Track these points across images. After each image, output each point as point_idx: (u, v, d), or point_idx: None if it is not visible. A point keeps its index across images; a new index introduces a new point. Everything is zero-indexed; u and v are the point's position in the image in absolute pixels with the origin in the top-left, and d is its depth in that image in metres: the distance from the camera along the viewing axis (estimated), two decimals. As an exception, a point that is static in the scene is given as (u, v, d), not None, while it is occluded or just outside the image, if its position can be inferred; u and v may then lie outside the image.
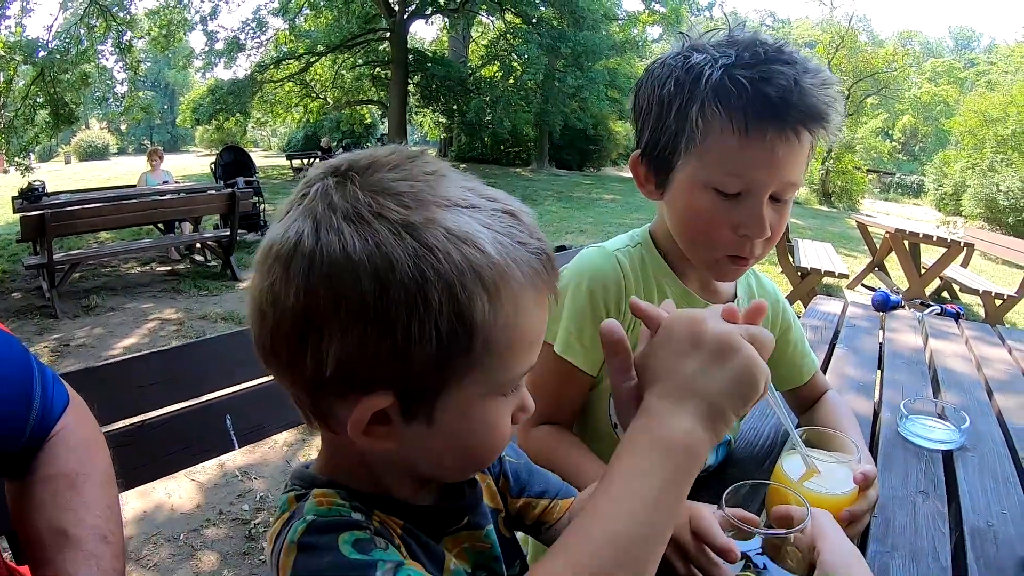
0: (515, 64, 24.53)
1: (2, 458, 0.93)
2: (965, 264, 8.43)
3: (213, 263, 8.89)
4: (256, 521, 3.17)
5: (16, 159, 16.49)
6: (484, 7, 23.76)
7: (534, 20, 23.20)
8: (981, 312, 7.01)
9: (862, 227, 9.32)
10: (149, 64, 40.14)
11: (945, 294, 8.05)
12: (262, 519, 3.19)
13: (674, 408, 0.63)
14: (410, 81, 24.86)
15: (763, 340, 0.66)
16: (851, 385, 1.99)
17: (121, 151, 47.70)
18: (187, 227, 9.22)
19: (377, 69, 26.46)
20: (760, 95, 1.03)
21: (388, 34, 24.21)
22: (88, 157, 40.24)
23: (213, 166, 12.21)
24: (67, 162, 39.03)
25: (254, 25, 24.35)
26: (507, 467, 0.90)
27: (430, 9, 24.87)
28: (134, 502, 3.24)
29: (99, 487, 0.97)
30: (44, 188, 8.92)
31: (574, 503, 0.93)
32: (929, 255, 7.68)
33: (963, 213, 19.50)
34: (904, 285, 7.37)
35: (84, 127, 41.60)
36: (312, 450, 3.90)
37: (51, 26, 17.41)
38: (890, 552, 1.16)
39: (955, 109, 32.28)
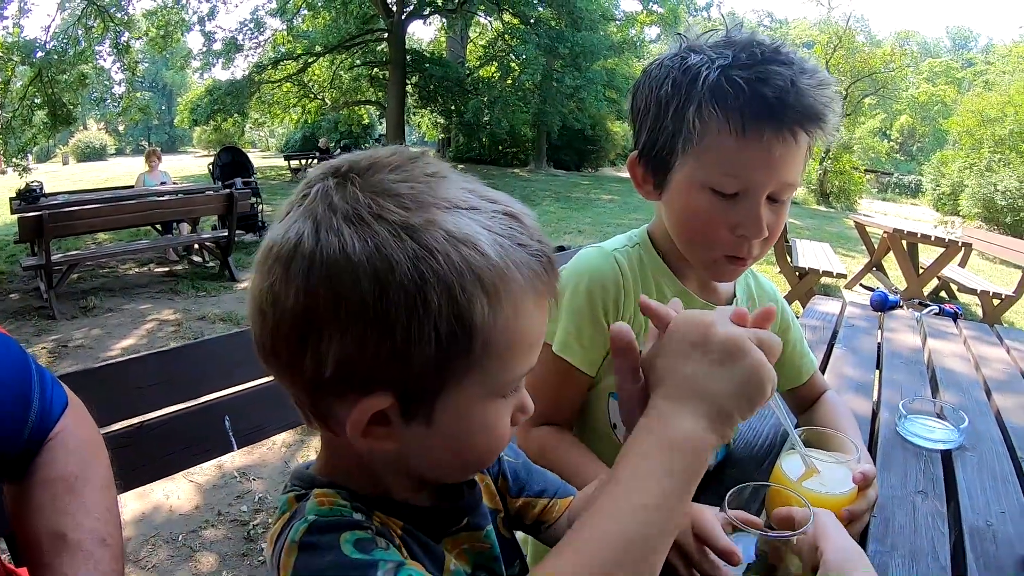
0: (513, 64, 24.52)
1: (0, 460, 0.92)
2: (963, 264, 8.44)
3: (211, 264, 8.89)
4: (255, 522, 3.17)
5: (14, 160, 16.50)
6: (482, 7, 23.74)
7: (532, 20, 23.20)
8: (979, 312, 7.02)
9: (860, 227, 9.32)
10: (147, 65, 40.10)
11: (943, 294, 8.06)
12: (261, 520, 3.19)
13: (681, 409, 0.63)
14: (408, 82, 24.86)
15: (771, 344, 0.66)
16: (850, 385, 1.99)
17: (119, 152, 47.71)
18: (185, 228, 9.21)
19: (375, 70, 26.43)
20: (757, 96, 1.03)
21: (386, 35, 24.18)
22: (86, 158, 40.23)
23: (211, 167, 12.19)
24: (65, 163, 39.06)
25: (252, 26, 24.32)
26: (506, 467, 0.90)
27: (428, 10, 24.83)
28: (133, 503, 3.23)
29: (98, 490, 0.97)
30: (42, 189, 8.91)
31: (573, 502, 0.93)
32: (927, 255, 7.69)
33: (961, 213, 19.52)
34: (902, 285, 7.38)
35: (82, 128, 41.56)
36: (311, 451, 3.89)
37: (49, 27, 17.45)
38: (889, 552, 1.16)
39: (953, 109, 32.29)
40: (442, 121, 29.12)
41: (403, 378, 0.59)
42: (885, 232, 7.62)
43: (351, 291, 0.56)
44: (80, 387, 1.11)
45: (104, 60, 19.36)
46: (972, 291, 7.01)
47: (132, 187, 10.34)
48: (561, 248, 3.50)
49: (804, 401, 1.51)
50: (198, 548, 2.97)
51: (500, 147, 27.43)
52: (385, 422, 0.62)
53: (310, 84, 26.87)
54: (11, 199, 8.25)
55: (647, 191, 1.24)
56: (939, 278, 7.50)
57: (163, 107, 53.40)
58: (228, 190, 8.39)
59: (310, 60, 24.82)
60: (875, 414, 1.83)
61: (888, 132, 43.82)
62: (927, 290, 7.28)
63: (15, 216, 7.06)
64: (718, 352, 0.64)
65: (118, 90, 20.98)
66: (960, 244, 6.99)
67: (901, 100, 38.26)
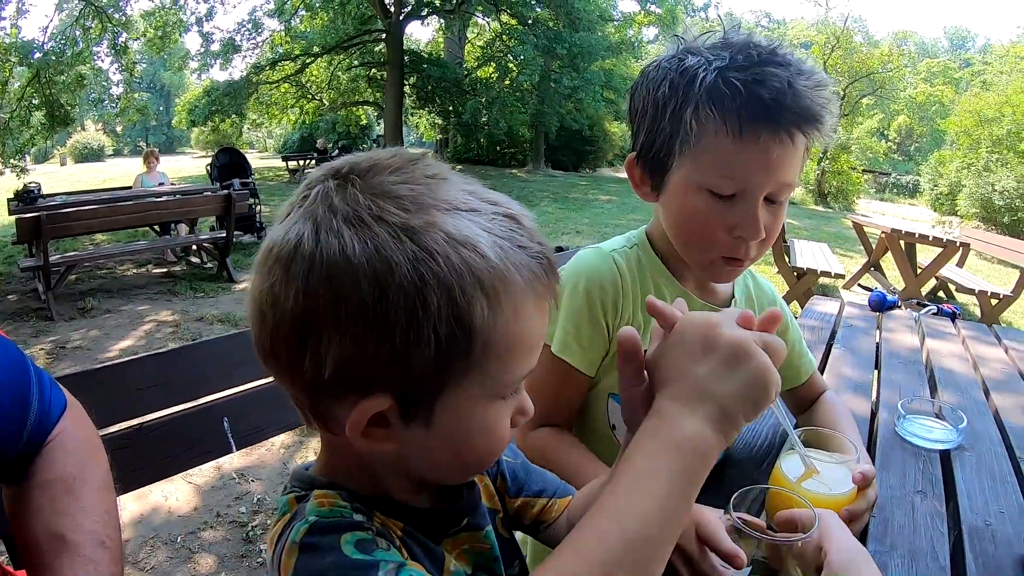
0: (511, 65, 24.49)
1: (-1, 462, 0.92)
2: (961, 264, 8.44)
3: (209, 265, 8.88)
4: (254, 523, 3.17)
5: (12, 161, 16.48)
6: (480, 8, 23.73)
7: (530, 21, 23.19)
8: (977, 312, 7.03)
9: (858, 227, 9.33)
10: (145, 66, 40.03)
11: (941, 294, 8.07)
12: (260, 521, 3.19)
13: (685, 410, 0.63)
14: (406, 82, 24.84)
15: (776, 348, 0.66)
16: (848, 385, 1.99)
17: (117, 153, 47.63)
18: (183, 229, 9.20)
19: (373, 70, 26.41)
20: (754, 97, 1.03)
21: (384, 35, 24.16)
22: (84, 159, 40.11)
23: (209, 168, 12.18)
24: (63, 164, 39.00)
25: (250, 26, 24.30)
26: (504, 467, 0.90)
27: (426, 10, 24.82)
28: (131, 505, 3.23)
29: (97, 492, 0.97)
30: (40, 190, 8.92)
31: (572, 501, 0.93)
32: (925, 255, 7.70)
33: (959, 213, 19.51)
34: (900, 285, 7.38)
35: (80, 129, 41.40)
36: (309, 452, 3.89)
37: (47, 27, 17.40)
38: (889, 552, 1.17)
39: (950, 109, 32.33)
40: (440, 122, 29.09)
41: (402, 380, 0.59)
42: (883, 232, 7.62)
43: (351, 293, 0.56)
44: (79, 388, 1.11)
45: (102, 61, 19.33)
46: (970, 291, 7.01)
47: (130, 188, 10.34)
48: (559, 249, 3.50)
49: (803, 401, 1.51)
50: (197, 549, 2.97)
51: (498, 148, 27.40)
52: (384, 423, 0.62)
53: (308, 85, 26.85)
54: (9, 200, 8.24)
55: (645, 192, 1.25)
56: (937, 278, 7.51)
57: (161, 108, 53.33)
58: (226, 191, 8.39)
59: (308, 61, 24.79)
60: (874, 414, 1.83)
61: (886, 132, 43.84)
62: (925, 290, 7.29)
63: (13, 217, 7.05)
64: (724, 354, 0.64)
65: (116, 91, 20.93)
66: (958, 244, 7.00)
67: (899, 100, 38.31)
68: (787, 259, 7.28)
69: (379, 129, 30.34)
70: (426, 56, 26.92)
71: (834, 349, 2.35)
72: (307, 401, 0.64)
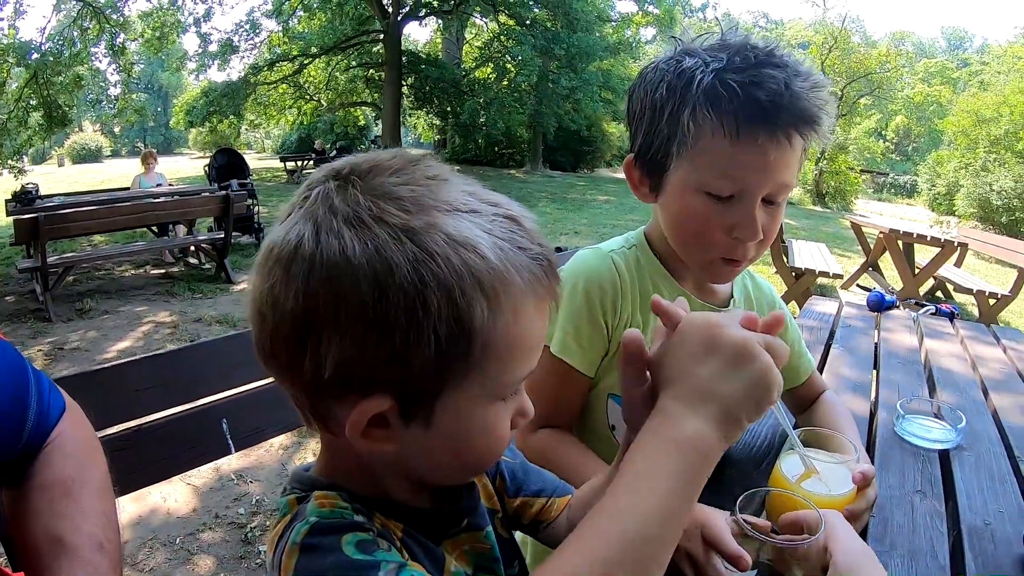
0: (509, 66, 24.50)
1: (-2, 465, 0.92)
2: (959, 264, 8.45)
3: (207, 266, 8.87)
4: (252, 525, 3.16)
5: (9, 162, 16.47)
6: (478, 9, 23.74)
7: (528, 22, 23.19)
8: (975, 311, 7.03)
9: (856, 227, 9.35)
10: (142, 66, 40.10)
11: (939, 294, 8.08)
12: (258, 523, 3.18)
13: (689, 410, 0.63)
14: (404, 83, 24.83)
15: (778, 350, 0.66)
16: (847, 385, 1.99)
17: (115, 153, 47.55)
18: (181, 230, 9.18)
19: (371, 71, 26.39)
20: (751, 99, 1.04)
21: (382, 36, 24.15)
22: (81, 160, 40.08)
23: (207, 168, 12.18)
24: (60, 164, 38.97)
25: (247, 27, 24.28)
26: (503, 467, 0.90)
27: (424, 11, 24.84)
28: (130, 506, 3.22)
29: (96, 494, 0.97)
30: (37, 191, 8.91)
31: (572, 500, 0.93)
32: (923, 255, 7.71)
33: (956, 213, 19.54)
34: (898, 285, 7.39)
35: (77, 129, 41.35)
36: (308, 453, 3.89)
37: (44, 28, 17.38)
38: (888, 551, 1.17)
39: (948, 109, 32.39)
40: (438, 122, 29.11)
41: (402, 380, 0.59)
42: (881, 232, 7.63)
43: (351, 293, 0.56)
44: (78, 390, 1.10)
45: (100, 62, 19.34)
46: (968, 291, 7.02)
47: (128, 189, 10.34)
48: (558, 249, 3.50)
49: (803, 401, 1.51)
50: (196, 551, 2.97)
51: (496, 148, 27.39)
52: (384, 424, 0.62)
53: (306, 85, 26.83)
54: (7, 201, 8.24)
55: (643, 194, 1.25)
56: (935, 278, 7.52)
57: (159, 109, 53.30)
58: (224, 192, 8.38)
59: (306, 61, 24.78)
60: (873, 414, 1.83)
61: (884, 132, 43.89)
62: (923, 290, 7.30)
63: (11, 218, 7.04)
64: (728, 354, 0.64)
65: (114, 92, 20.94)
66: (956, 244, 7.01)
67: (896, 100, 38.35)
68: (785, 259, 7.28)
69: (377, 130, 30.33)
70: (424, 57, 26.91)
71: (833, 349, 2.35)
72: (307, 402, 0.64)
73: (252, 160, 17.49)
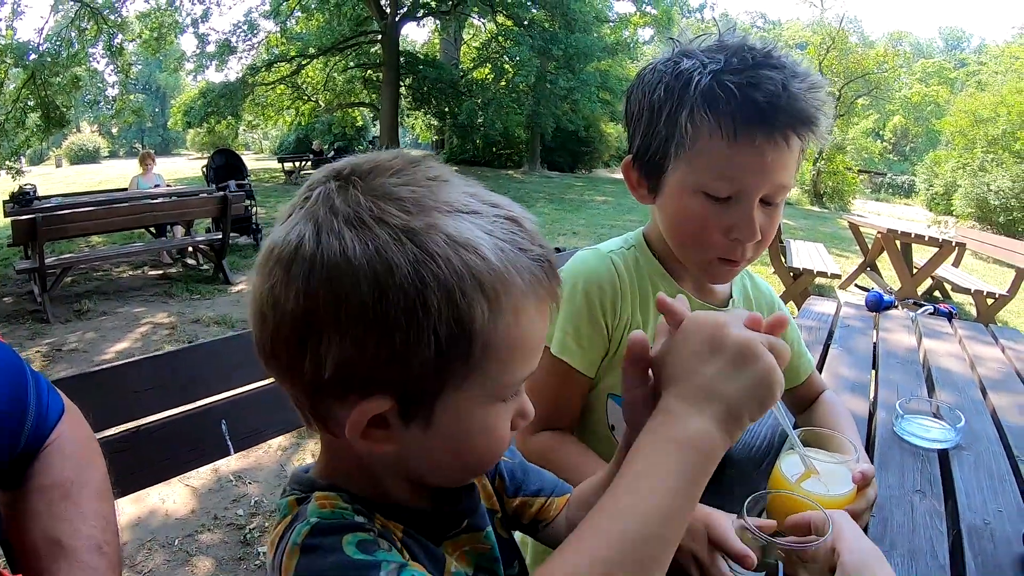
0: (507, 66, 24.51)
1: (-3, 467, 0.92)
2: (956, 264, 8.46)
3: (205, 267, 8.86)
4: (251, 526, 3.16)
5: (7, 163, 16.45)
6: (475, 9, 23.74)
7: (525, 22, 23.19)
8: (973, 311, 7.04)
9: (854, 227, 9.35)
10: (140, 67, 40.05)
11: (937, 293, 8.08)
12: (257, 524, 3.18)
13: (692, 409, 0.64)
14: (402, 83, 24.82)
15: (781, 351, 0.66)
16: (846, 385, 1.99)
17: (112, 154, 47.48)
18: (179, 231, 9.17)
19: (369, 72, 26.39)
20: (748, 100, 1.04)
21: (379, 37, 24.16)
22: (79, 160, 40.00)
23: (205, 169, 12.17)
24: (58, 165, 38.92)
25: (245, 28, 24.28)
26: (502, 467, 0.90)
27: (421, 11, 24.84)
28: (128, 508, 3.22)
29: (95, 497, 0.96)
30: (35, 192, 8.92)
31: (571, 499, 0.93)
32: (921, 255, 7.72)
33: (954, 213, 19.56)
34: (896, 285, 7.40)
35: (75, 130, 41.28)
36: (306, 454, 3.89)
37: (42, 29, 17.35)
38: (888, 551, 1.17)
39: (945, 109, 32.43)
40: (436, 123, 29.11)
41: (402, 381, 0.59)
42: (879, 232, 7.64)
43: (351, 293, 0.56)
44: (76, 391, 1.10)
45: (97, 62, 19.33)
46: (966, 291, 7.03)
47: (126, 190, 10.33)
48: (557, 250, 3.50)
49: (802, 401, 1.51)
50: (194, 552, 2.97)
51: (494, 149, 27.39)
52: (384, 424, 0.62)
53: (304, 86, 26.82)
54: (4, 202, 8.25)
55: (641, 195, 1.26)
56: (933, 278, 7.52)
57: (156, 109, 53.27)
58: (222, 193, 8.39)
59: (304, 62, 24.77)
60: (872, 414, 1.83)
61: (881, 133, 43.93)
62: (921, 290, 7.31)
63: (8, 219, 7.03)
64: (731, 354, 0.65)
65: (111, 92, 20.92)
66: (954, 244, 7.02)
67: (894, 101, 38.43)
68: (783, 259, 7.29)
69: (375, 130, 30.33)
70: (422, 57, 26.90)
71: (831, 349, 2.35)
72: (307, 402, 0.64)
73: (250, 161, 17.46)
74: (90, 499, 0.96)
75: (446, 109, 25.56)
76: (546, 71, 23.29)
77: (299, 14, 25.03)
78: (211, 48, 23.66)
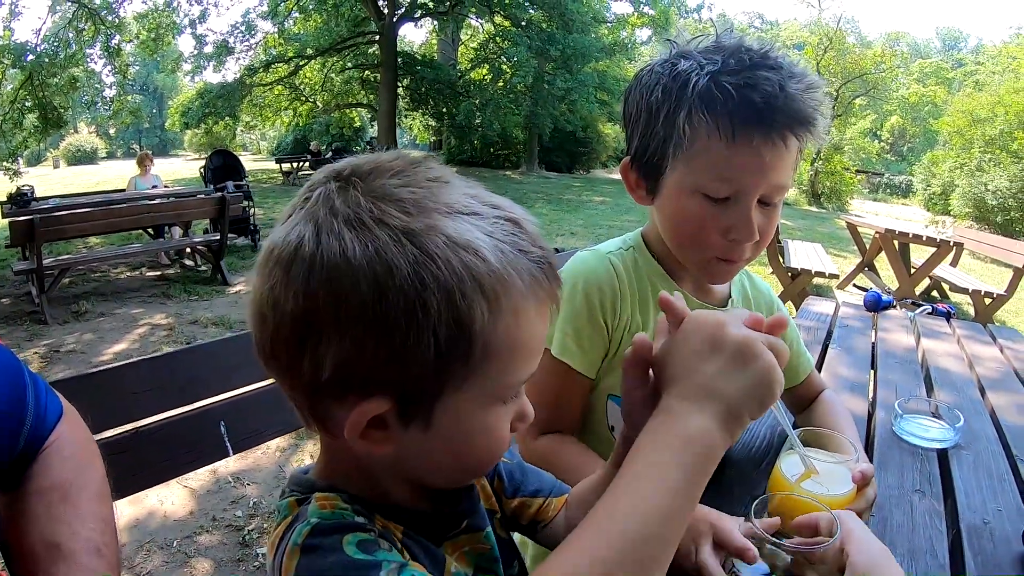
0: (504, 67, 24.50)
1: (-5, 469, 0.92)
2: (954, 263, 8.48)
3: (203, 268, 8.85)
4: (250, 527, 3.16)
5: (4, 164, 16.43)
6: (473, 10, 23.72)
7: (523, 23, 23.19)
8: (971, 311, 7.05)
9: (852, 227, 9.37)
10: (138, 68, 39.97)
11: (935, 293, 8.09)
12: (256, 525, 3.18)
13: (693, 408, 0.64)
14: (399, 84, 24.82)
15: (780, 351, 0.67)
16: (845, 385, 1.99)
17: (110, 155, 47.43)
18: (177, 232, 9.16)
19: (366, 72, 26.39)
20: (746, 101, 1.04)
21: (377, 37, 24.16)
22: (77, 161, 39.95)
23: (202, 170, 12.15)
24: (56, 166, 38.85)
25: (243, 29, 24.28)
26: (501, 467, 0.90)
27: (419, 12, 24.84)
28: (127, 509, 3.21)
29: (93, 499, 0.96)
30: (33, 193, 8.91)
31: (568, 499, 0.93)
32: (918, 255, 7.73)
33: (952, 213, 19.59)
34: (894, 285, 7.41)
35: (73, 131, 41.34)
36: (305, 455, 3.89)
37: (39, 29, 17.33)
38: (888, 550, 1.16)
39: (943, 109, 32.44)
40: (433, 123, 29.11)
41: (401, 382, 0.59)
42: (877, 232, 7.65)
43: (350, 294, 0.56)
44: (75, 393, 1.10)
45: (95, 63, 19.30)
46: (964, 290, 7.04)
47: (123, 191, 10.32)
48: (556, 251, 3.50)
49: (802, 400, 1.51)
50: (193, 554, 2.96)
51: (492, 149, 27.36)
52: (383, 425, 0.62)
53: (301, 87, 26.81)
54: (2, 203, 8.22)
55: (640, 196, 1.26)
56: (931, 278, 7.53)
57: (154, 110, 53.21)
58: (220, 193, 8.38)
59: (301, 63, 24.77)
60: (871, 414, 1.83)
61: (879, 133, 43.96)
62: (919, 290, 7.32)
63: (6, 220, 7.02)
64: (732, 353, 0.65)
65: (109, 93, 20.90)
66: (951, 244, 7.04)
67: (891, 101, 38.45)
68: (781, 259, 7.30)
69: (373, 131, 30.30)
70: (420, 58, 26.89)
71: (830, 349, 2.35)
72: (306, 403, 0.64)
73: (248, 162, 17.43)
74: (89, 501, 0.95)
75: (444, 110, 25.57)
76: (544, 72, 23.30)
77: (297, 15, 25.02)
78: (209, 49, 23.65)
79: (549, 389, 1.25)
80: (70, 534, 0.90)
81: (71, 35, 17.51)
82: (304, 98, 27.23)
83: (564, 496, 0.93)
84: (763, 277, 1.54)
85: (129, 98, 22.28)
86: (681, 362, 0.67)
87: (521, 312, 0.61)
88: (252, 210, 9.97)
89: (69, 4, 17.91)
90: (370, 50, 25.47)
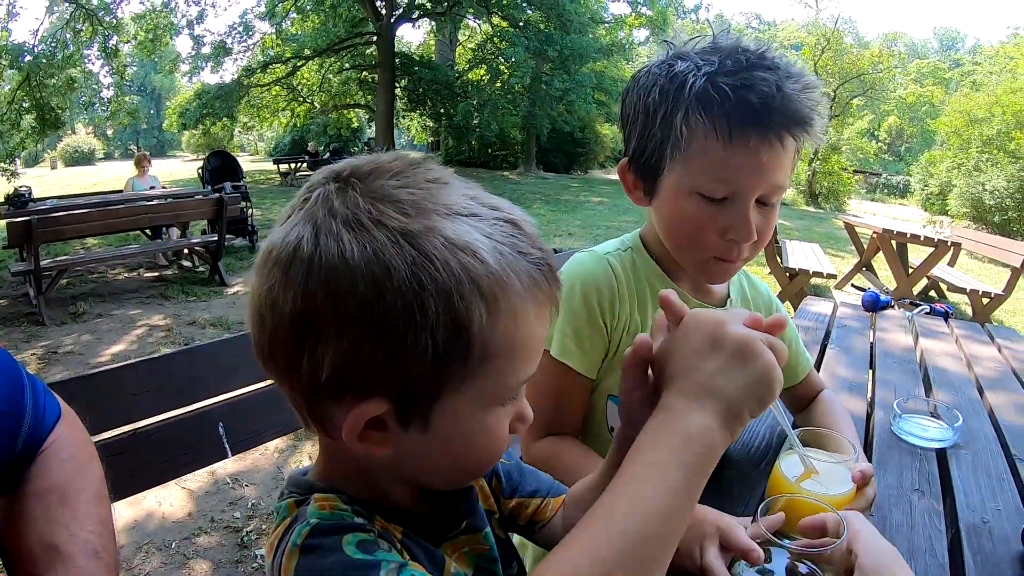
0: (502, 67, 24.51)
1: (-7, 472, 0.91)
2: (952, 263, 8.49)
3: (201, 269, 8.84)
4: (248, 529, 3.15)
5: (2, 165, 16.42)
6: (471, 10, 23.73)
7: (521, 23, 23.21)
8: (969, 311, 7.06)
9: (849, 227, 9.37)
10: (135, 68, 39.91)
11: (932, 293, 8.10)
12: (254, 526, 3.17)
13: (693, 405, 0.64)
14: (397, 85, 24.82)
15: (780, 350, 0.67)
16: (843, 385, 1.99)
17: (107, 156, 47.38)
18: (175, 232, 9.13)
19: (364, 73, 26.39)
20: (742, 102, 1.05)
21: (375, 38, 24.16)
22: (74, 162, 39.87)
23: (200, 171, 12.12)
24: (53, 167, 38.76)
25: (241, 29, 24.27)
26: (499, 468, 0.90)
27: (417, 13, 24.84)
28: (125, 511, 3.21)
29: (91, 501, 0.96)
30: (30, 194, 8.88)
31: (566, 498, 0.93)
32: (916, 255, 7.73)
33: (949, 212, 19.62)
34: (892, 285, 7.41)
35: (70, 132, 41.26)
36: (304, 456, 3.88)
37: (37, 30, 17.34)
38: (887, 551, 1.16)
39: (940, 109, 32.44)
40: (431, 124, 29.13)
41: (399, 383, 0.59)
42: (874, 232, 7.66)
43: (348, 295, 0.56)
44: (73, 394, 1.10)
45: (92, 64, 19.31)
46: (961, 290, 7.05)
47: (121, 192, 10.30)
48: (554, 251, 3.50)
49: (801, 400, 1.51)
50: (191, 555, 2.96)
51: (489, 150, 27.34)
52: (381, 427, 0.62)
53: (299, 88, 26.82)
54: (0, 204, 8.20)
55: (637, 197, 1.26)
56: (928, 277, 7.54)
57: (152, 111, 53.18)
58: (218, 194, 8.36)
59: (299, 64, 24.76)
60: (869, 414, 1.83)
61: (876, 133, 43.99)
62: (916, 289, 7.33)
63: (3, 221, 7.01)
64: (731, 351, 0.65)
65: (107, 94, 20.89)
66: (949, 244, 7.05)
67: (889, 101, 38.46)
68: (779, 259, 7.31)
69: (370, 132, 30.31)
70: (417, 59, 26.89)
71: (828, 349, 2.35)
72: (305, 404, 0.64)
73: (245, 162, 17.42)
74: (87, 503, 0.95)
75: (442, 110, 25.57)
76: (541, 72, 23.32)
77: (294, 15, 25.01)
78: (206, 50, 23.65)
79: (550, 391, 1.25)
80: (68, 536, 0.89)
81: (69, 36, 17.51)
82: (302, 99, 27.24)
83: (562, 496, 0.93)
84: (761, 277, 1.55)
85: (127, 99, 22.28)
86: (681, 360, 0.68)
87: (520, 314, 0.61)
88: (250, 211, 9.96)
89: (67, 5, 17.90)
90: (368, 51, 25.47)
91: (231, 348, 1.64)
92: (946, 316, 3.12)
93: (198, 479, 3.55)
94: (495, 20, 23.99)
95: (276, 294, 0.59)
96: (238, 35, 24.30)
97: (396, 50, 25.39)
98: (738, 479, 1.33)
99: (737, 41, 1.12)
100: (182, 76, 28.63)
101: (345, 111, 29.28)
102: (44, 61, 16.55)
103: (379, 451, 0.63)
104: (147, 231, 9.14)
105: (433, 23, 26.92)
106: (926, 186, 23.17)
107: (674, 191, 1.16)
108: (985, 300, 6.82)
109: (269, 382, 0.66)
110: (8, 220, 6.63)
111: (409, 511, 0.71)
